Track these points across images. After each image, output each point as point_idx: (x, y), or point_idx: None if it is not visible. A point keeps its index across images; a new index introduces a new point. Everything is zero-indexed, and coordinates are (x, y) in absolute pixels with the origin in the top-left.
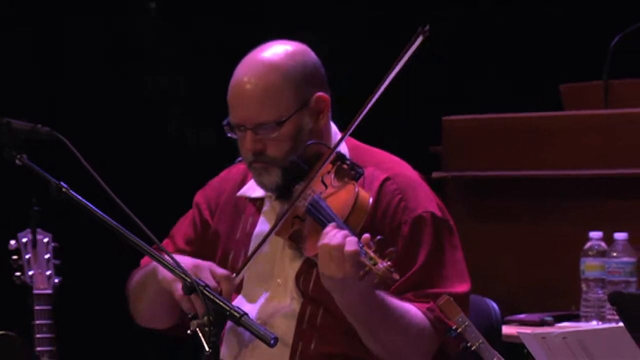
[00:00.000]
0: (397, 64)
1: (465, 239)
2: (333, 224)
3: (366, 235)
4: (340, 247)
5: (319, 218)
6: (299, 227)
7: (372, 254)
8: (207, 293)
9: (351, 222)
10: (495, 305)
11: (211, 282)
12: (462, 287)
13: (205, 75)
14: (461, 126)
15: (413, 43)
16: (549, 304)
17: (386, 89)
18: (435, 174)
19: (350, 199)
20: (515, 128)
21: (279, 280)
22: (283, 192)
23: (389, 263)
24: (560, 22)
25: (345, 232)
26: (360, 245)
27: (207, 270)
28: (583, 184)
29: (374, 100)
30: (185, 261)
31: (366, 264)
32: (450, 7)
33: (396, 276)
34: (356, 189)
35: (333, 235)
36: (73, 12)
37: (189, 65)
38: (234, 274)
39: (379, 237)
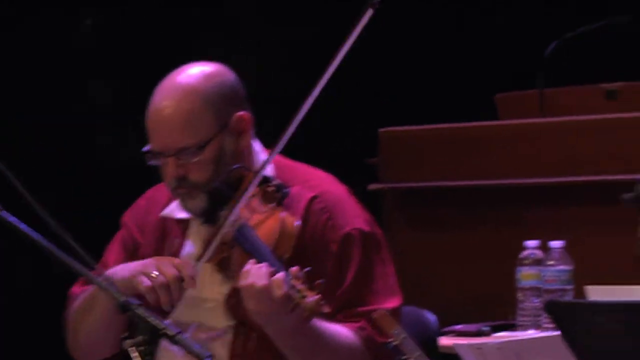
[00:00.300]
0: (346, 42)
1: (404, 250)
2: (253, 261)
3: (294, 268)
4: (267, 288)
5: (246, 247)
6: (228, 254)
7: (300, 287)
8: (140, 312)
9: (279, 251)
10: (432, 316)
11: (173, 271)
12: (393, 303)
13: (137, 89)
14: (397, 137)
15: (362, 17)
16: (487, 313)
17: (320, 99)
18: (371, 186)
19: (277, 226)
20: (451, 138)
21: (209, 304)
22: (209, 217)
23: (318, 296)
24: (494, 32)
25: (272, 269)
26: (289, 278)
27: (167, 260)
28: (519, 193)
29: (306, 106)
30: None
31: (295, 298)
32: (389, 16)
33: (326, 309)
34: (282, 215)
35: (258, 274)
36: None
37: (121, 78)
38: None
39: (307, 268)
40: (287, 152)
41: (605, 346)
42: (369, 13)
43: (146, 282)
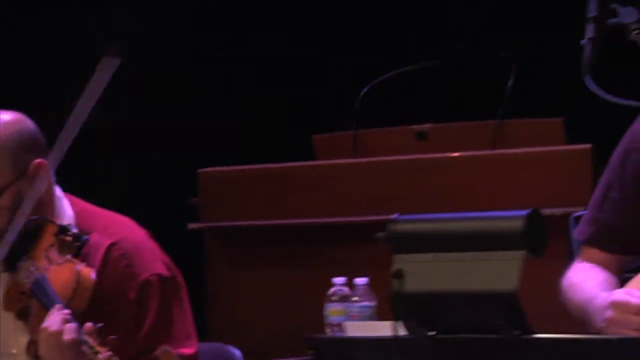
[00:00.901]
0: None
1: (223, 288)
2: (54, 307)
3: (88, 325)
4: (59, 334)
5: (42, 300)
6: (27, 304)
7: (93, 343)
8: None
9: (73, 304)
10: (237, 352)
11: None
12: (190, 349)
13: None
14: (216, 177)
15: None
16: (297, 349)
17: (141, 139)
18: (191, 225)
19: (72, 279)
20: (268, 178)
21: (13, 350)
22: (8, 266)
23: (109, 353)
24: (311, 73)
25: (66, 317)
26: (82, 334)
27: None
28: (331, 231)
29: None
30: None
31: (87, 354)
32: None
33: None
34: (78, 268)
35: (54, 319)
36: None
37: None
38: None
39: (99, 324)
40: (106, 195)
41: None
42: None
43: None
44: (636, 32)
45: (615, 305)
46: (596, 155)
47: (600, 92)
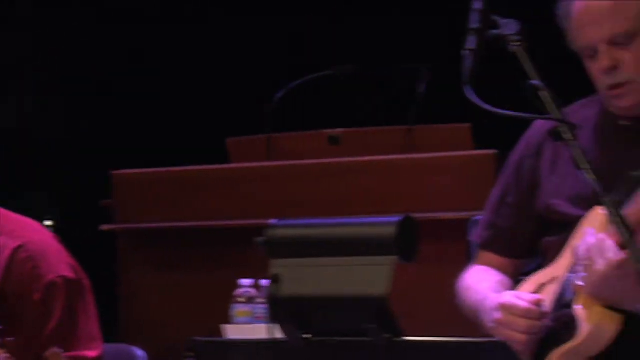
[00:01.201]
0: None
1: (134, 290)
2: None
3: None
4: None
5: None
6: None
7: None
8: None
9: None
10: (141, 352)
11: None
12: (94, 352)
13: None
14: (130, 180)
15: None
16: None
17: (54, 142)
18: (104, 227)
19: None
20: (181, 180)
21: None
22: None
23: (7, 355)
24: (226, 77)
25: None
26: None
27: None
28: (240, 233)
29: None
30: None
31: None
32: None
33: None
34: None
35: None
36: None
37: None
38: None
39: (0, 326)
40: (19, 197)
41: None
42: None
43: None
44: (516, 43)
45: (504, 307)
46: (501, 161)
47: (478, 102)
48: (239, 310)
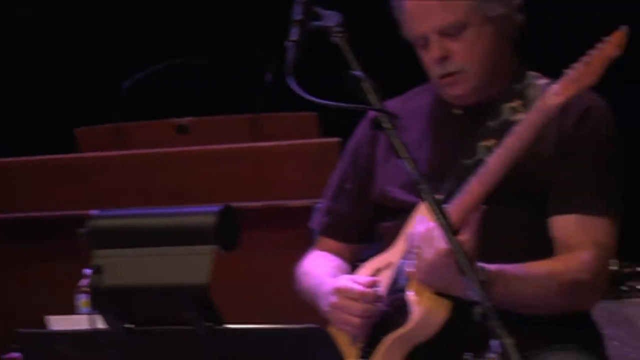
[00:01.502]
0: None
1: None
2: None
3: None
4: None
5: None
6: None
7: None
8: None
9: None
10: None
11: None
12: None
13: None
14: None
15: None
16: None
17: None
18: None
19: None
20: (31, 170)
21: None
22: None
23: None
24: (74, 66)
25: None
26: None
27: None
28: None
29: None
30: None
31: None
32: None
33: None
34: None
35: None
36: None
37: None
38: None
39: None
40: None
41: None
42: None
43: None
44: (338, 35)
45: (339, 291)
46: None
47: (301, 92)
48: (84, 300)
